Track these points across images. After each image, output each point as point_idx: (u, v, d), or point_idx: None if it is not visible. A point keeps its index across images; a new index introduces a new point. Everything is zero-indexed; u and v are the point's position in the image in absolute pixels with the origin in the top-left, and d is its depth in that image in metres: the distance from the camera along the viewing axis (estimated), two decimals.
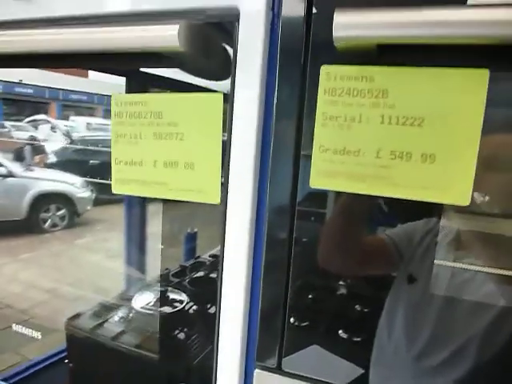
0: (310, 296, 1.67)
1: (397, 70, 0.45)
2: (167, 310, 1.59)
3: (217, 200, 0.54)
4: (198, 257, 2.22)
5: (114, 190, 0.60)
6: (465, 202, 0.44)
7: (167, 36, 0.46)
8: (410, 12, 0.38)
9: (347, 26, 0.40)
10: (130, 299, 1.60)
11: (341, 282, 1.70)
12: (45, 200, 4.04)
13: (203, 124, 0.53)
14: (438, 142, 0.44)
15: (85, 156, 4.71)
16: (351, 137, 0.47)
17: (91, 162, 4.61)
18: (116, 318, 1.52)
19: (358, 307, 1.57)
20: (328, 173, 0.48)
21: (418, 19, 0.38)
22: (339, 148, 0.48)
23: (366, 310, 1.53)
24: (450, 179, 0.44)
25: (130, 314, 1.56)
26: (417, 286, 0.98)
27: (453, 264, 0.81)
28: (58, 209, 4.24)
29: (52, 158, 5.10)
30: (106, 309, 1.56)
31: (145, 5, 0.57)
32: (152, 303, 1.62)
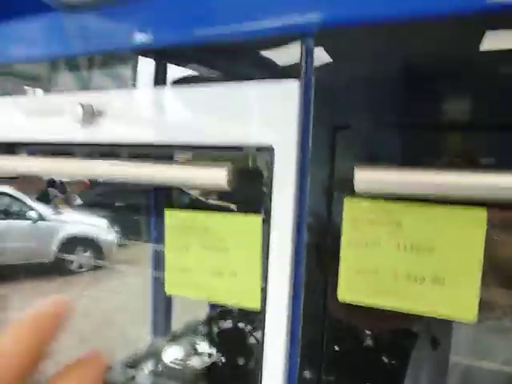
0: (336, 348, 1.69)
1: (409, 206, 0.54)
2: (197, 364, 1.61)
3: (257, 306, 0.63)
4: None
5: (168, 292, 0.70)
6: (471, 319, 0.52)
7: (216, 179, 0.57)
8: (421, 175, 0.48)
9: (365, 181, 0.50)
10: (158, 351, 1.63)
11: (367, 332, 1.72)
12: (72, 243, 4.17)
13: (245, 240, 0.63)
14: (446, 267, 0.53)
15: (109, 198, 4.85)
16: (371, 259, 0.56)
17: (116, 203, 4.74)
18: (146, 371, 1.55)
19: (385, 359, 1.58)
20: (352, 289, 0.57)
21: (428, 181, 0.48)
22: (361, 268, 0.57)
23: (393, 363, 1.54)
24: (457, 300, 0.52)
25: (160, 368, 1.58)
26: (441, 352, 1.02)
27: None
28: (84, 250, 4.36)
29: (77, 201, 5.27)
30: (134, 361, 1.59)
31: (195, 137, 0.68)
32: (181, 356, 1.65)
